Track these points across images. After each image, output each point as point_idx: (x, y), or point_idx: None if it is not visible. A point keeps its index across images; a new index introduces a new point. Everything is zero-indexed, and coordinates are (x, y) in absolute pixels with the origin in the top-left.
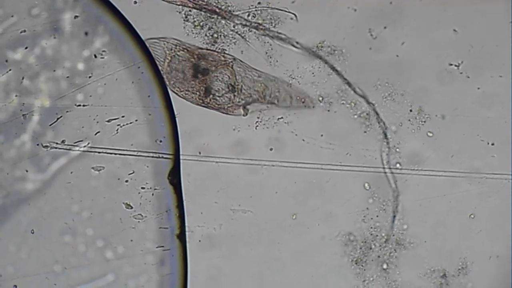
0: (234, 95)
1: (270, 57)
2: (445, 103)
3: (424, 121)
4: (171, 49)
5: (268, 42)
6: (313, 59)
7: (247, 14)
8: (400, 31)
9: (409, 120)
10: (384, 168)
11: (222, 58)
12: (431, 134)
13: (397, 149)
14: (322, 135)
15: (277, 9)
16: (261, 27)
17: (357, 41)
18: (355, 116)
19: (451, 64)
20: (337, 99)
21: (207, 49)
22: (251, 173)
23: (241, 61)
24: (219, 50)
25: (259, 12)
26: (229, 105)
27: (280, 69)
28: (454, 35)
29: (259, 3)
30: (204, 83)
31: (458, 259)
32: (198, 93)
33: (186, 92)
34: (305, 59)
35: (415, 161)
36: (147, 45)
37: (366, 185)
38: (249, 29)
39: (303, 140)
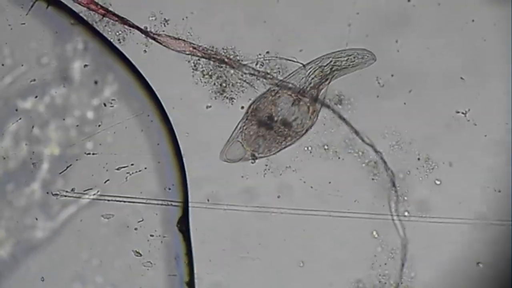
0: (308, 105)
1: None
2: (452, 150)
3: (432, 169)
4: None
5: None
6: (321, 107)
7: (255, 63)
8: (407, 78)
9: (417, 168)
10: (392, 215)
11: (270, 97)
12: (438, 182)
13: (405, 197)
14: (330, 183)
15: (285, 58)
16: (269, 76)
17: (364, 89)
18: (363, 165)
19: (458, 112)
20: (345, 147)
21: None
22: (260, 220)
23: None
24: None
25: (267, 61)
26: (313, 113)
27: None
28: (461, 82)
29: (267, 52)
30: (281, 124)
31: None
32: (284, 135)
33: (282, 144)
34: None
35: (423, 209)
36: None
37: (375, 232)
38: (257, 78)
39: (311, 187)
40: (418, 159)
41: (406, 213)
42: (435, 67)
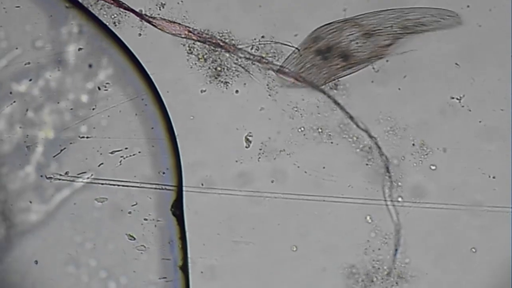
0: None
1: (271, 89)
2: (447, 136)
3: (426, 155)
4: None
5: (270, 75)
6: (316, 92)
7: (250, 47)
8: (402, 64)
9: (412, 153)
10: (386, 201)
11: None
12: (433, 167)
13: (399, 183)
14: (324, 168)
15: (280, 43)
16: (264, 60)
17: (359, 75)
18: (358, 150)
19: (453, 98)
20: (340, 132)
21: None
22: (254, 205)
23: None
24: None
25: (262, 45)
26: (377, 49)
27: (284, 101)
28: (456, 68)
29: (262, 36)
30: (338, 57)
31: None
32: (339, 66)
33: (331, 77)
34: (308, 92)
35: (417, 194)
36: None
37: (368, 218)
38: (252, 62)
39: (305, 172)
40: (413, 144)
41: (400, 199)
42: (430, 53)
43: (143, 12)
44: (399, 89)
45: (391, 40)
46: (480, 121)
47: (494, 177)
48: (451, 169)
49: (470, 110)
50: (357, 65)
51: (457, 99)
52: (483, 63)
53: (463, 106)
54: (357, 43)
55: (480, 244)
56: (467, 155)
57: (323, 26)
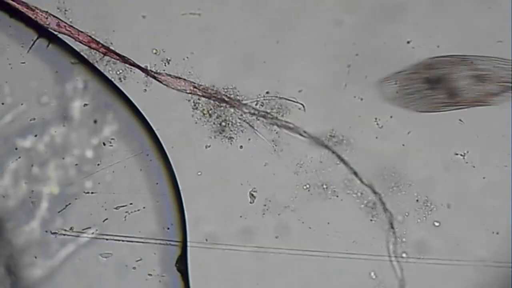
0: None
1: (276, 145)
2: (451, 192)
3: (430, 211)
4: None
5: (275, 131)
6: (320, 148)
7: (255, 103)
8: (406, 120)
9: (416, 209)
10: (390, 257)
11: (450, 59)
12: (437, 224)
13: (403, 239)
14: (328, 223)
15: (285, 98)
16: (269, 115)
17: (363, 130)
18: (362, 206)
19: (457, 154)
20: (344, 188)
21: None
22: (258, 261)
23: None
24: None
25: (267, 101)
26: (485, 95)
27: (287, 157)
28: (460, 125)
29: (267, 92)
30: (445, 89)
31: None
32: (442, 101)
33: (431, 106)
34: (313, 148)
35: (421, 250)
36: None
37: (372, 273)
38: (257, 118)
39: (310, 228)
40: (417, 200)
41: (404, 255)
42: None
43: (149, 68)
44: (403, 145)
45: (501, 90)
46: (484, 177)
47: (498, 233)
48: (455, 225)
49: (474, 166)
50: (460, 105)
51: (461, 155)
52: (486, 120)
53: (467, 163)
54: (467, 83)
55: None
56: (471, 211)
57: (439, 57)
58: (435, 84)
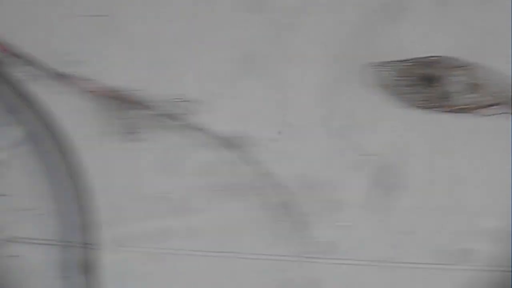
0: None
1: (186, 147)
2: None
3: (341, 211)
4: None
5: (186, 132)
6: (231, 148)
7: (165, 105)
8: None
9: (326, 209)
10: (299, 257)
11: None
12: (347, 223)
13: (314, 239)
14: (238, 224)
15: (191, 101)
16: (179, 117)
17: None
18: (273, 206)
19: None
20: (255, 189)
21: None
22: (168, 262)
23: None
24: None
25: (177, 103)
26: (474, 106)
27: (198, 159)
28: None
29: (179, 95)
30: (437, 90)
31: None
32: (432, 100)
33: (419, 104)
34: (223, 149)
35: (331, 250)
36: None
37: (280, 274)
38: (167, 119)
39: (220, 229)
40: (328, 200)
41: (313, 255)
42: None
43: (58, 70)
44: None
45: (493, 102)
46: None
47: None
48: (364, 225)
49: None
50: (449, 109)
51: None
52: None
53: None
54: (461, 90)
55: None
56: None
57: (439, 57)
58: (428, 83)
